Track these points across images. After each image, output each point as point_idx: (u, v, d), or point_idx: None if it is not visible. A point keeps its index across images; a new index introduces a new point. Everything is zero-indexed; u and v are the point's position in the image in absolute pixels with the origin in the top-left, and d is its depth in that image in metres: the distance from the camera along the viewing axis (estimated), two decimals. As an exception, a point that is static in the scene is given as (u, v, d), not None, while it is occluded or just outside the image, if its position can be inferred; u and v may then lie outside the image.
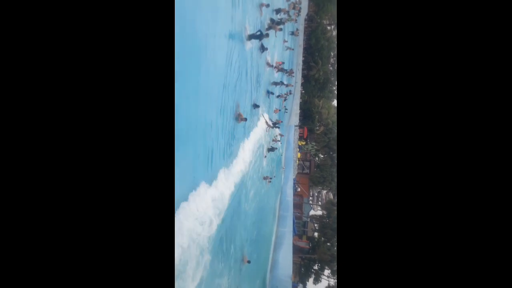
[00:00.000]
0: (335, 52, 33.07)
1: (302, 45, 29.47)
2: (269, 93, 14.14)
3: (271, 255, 17.10)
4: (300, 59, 29.08)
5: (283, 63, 16.23)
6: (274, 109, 16.39)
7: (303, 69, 30.56)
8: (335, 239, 24.35)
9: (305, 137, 31.06)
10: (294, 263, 21.38)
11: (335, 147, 31.06)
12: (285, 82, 17.87)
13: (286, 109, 21.02)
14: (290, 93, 22.11)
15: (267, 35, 8.95)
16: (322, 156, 33.05)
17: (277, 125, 15.65)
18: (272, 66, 14.21)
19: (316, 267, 25.92)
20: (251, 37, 8.63)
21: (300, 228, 26.55)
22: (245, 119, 8.93)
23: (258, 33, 8.68)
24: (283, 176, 21.33)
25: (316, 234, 27.25)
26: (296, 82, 27.60)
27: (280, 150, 19.34)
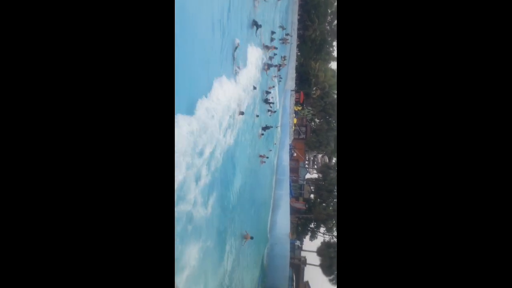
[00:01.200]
0: (333, 9, 31.01)
1: (298, 1, 27.47)
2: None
3: (270, 217, 18.01)
4: (295, 17, 27.31)
5: (276, 48, 15.72)
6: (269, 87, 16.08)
7: (298, 29, 28.89)
8: (330, 200, 25.54)
9: (301, 101, 30.64)
10: (292, 222, 22.66)
11: (331, 112, 30.90)
12: (276, 63, 17.10)
13: (280, 78, 20.41)
14: (285, 64, 21.27)
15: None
16: (318, 121, 33.03)
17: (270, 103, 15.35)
18: (267, 47, 13.79)
19: (312, 226, 27.60)
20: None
21: (297, 190, 27.63)
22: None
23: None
24: (277, 149, 21.46)
25: (312, 195, 28.48)
26: (291, 44, 26.29)
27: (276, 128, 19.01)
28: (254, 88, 12.22)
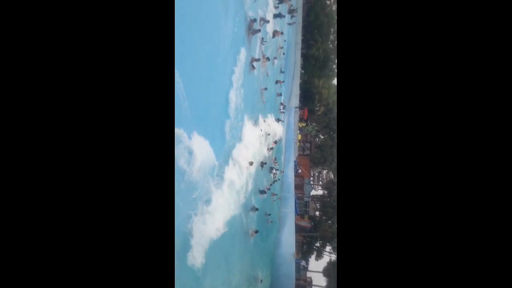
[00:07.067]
0: (335, 28, 31.84)
1: (301, 23, 28.38)
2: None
3: (275, 236, 17.69)
4: (299, 38, 28.12)
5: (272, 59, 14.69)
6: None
7: (302, 48, 29.63)
8: (336, 217, 25.08)
9: (305, 118, 30.88)
10: (297, 241, 22.21)
11: (335, 127, 30.93)
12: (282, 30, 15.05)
13: (282, 71, 19.18)
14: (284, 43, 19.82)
15: None
16: (322, 136, 33.06)
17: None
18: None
19: (318, 244, 26.94)
20: None
21: (302, 208, 27.24)
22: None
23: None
24: (283, 167, 21.09)
25: (317, 213, 28.02)
26: (295, 62, 26.89)
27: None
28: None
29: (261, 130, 11.95)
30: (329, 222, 25.84)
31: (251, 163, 9.43)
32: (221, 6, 6.81)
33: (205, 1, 5.87)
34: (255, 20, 8.85)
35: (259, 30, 9.08)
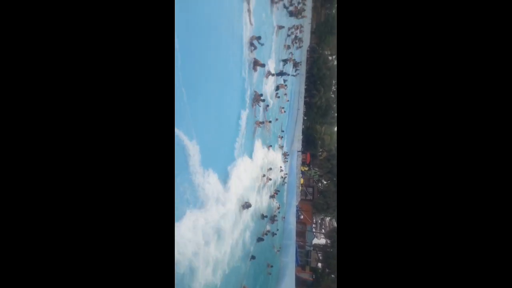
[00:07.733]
0: (336, 80, 33.95)
1: (304, 74, 30.55)
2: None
3: (273, 288, 16.27)
4: (302, 87, 29.99)
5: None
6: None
7: (305, 97, 31.37)
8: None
9: (308, 162, 31.03)
10: (297, 296, 20.28)
11: (338, 173, 30.66)
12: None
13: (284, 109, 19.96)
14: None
15: None
16: (325, 182, 32.71)
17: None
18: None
19: (320, 302, 24.51)
20: None
21: (303, 257, 25.56)
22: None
23: None
24: (284, 211, 20.53)
25: (319, 264, 26.15)
26: (298, 109, 28.22)
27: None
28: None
29: (264, 175, 12.17)
30: (332, 276, 23.91)
31: (248, 205, 9.32)
32: (228, 80, 7.50)
33: (214, 75, 6.45)
34: (261, 94, 9.84)
35: (264, 100, 10.17)
